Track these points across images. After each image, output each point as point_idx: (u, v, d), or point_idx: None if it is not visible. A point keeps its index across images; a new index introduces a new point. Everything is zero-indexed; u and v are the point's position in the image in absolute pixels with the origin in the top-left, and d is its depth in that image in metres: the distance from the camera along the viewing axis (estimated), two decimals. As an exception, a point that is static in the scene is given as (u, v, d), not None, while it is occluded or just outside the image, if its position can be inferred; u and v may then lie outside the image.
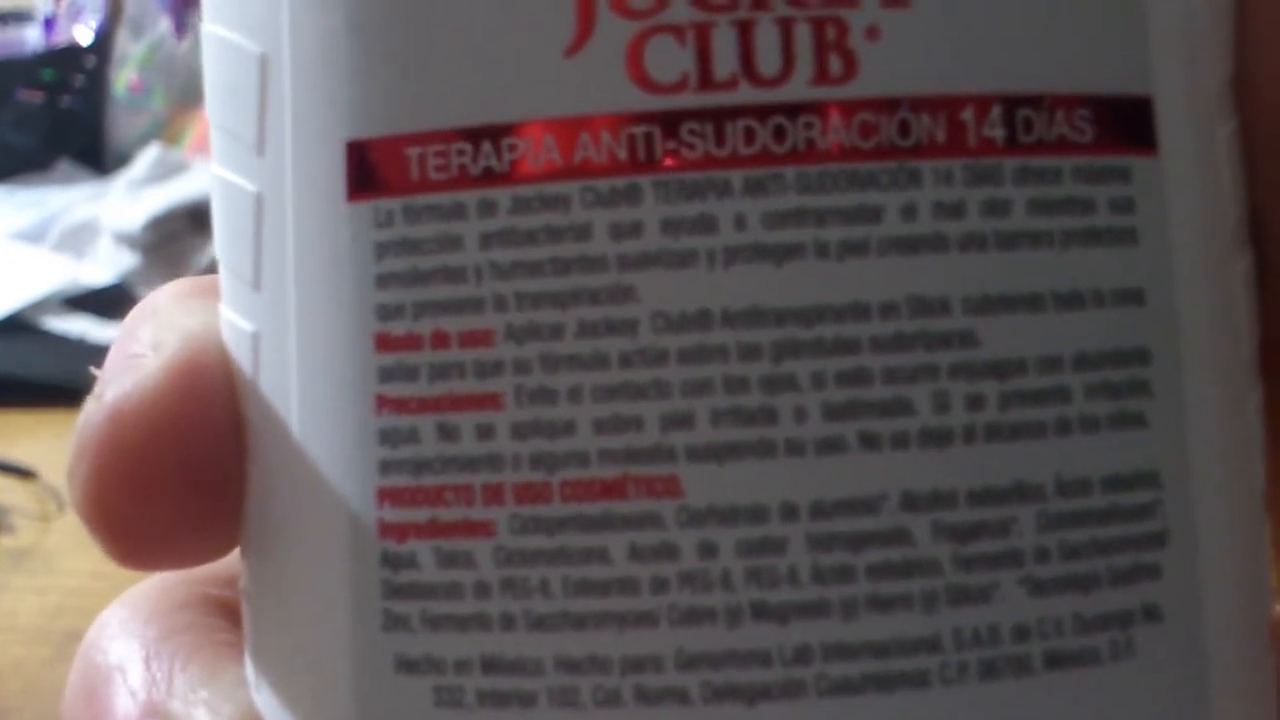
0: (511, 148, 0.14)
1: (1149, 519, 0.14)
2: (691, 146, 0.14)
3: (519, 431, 0.14)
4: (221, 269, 0.17)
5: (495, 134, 0.14)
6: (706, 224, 0.14)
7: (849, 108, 0.14)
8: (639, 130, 0.14)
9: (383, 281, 0.15)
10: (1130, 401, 0.14)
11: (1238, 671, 0.15)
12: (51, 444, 0.70)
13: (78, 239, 1.02)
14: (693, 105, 0.14)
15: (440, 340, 0.15)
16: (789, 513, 0.14)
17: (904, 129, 0.14)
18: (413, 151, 0.15)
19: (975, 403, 0.14)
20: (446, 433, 0.14)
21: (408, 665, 0.15)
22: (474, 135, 0.14)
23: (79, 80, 1.23)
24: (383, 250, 0.15)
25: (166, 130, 1.18)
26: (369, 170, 0.15)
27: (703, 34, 0.14)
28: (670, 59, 0.14)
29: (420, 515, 0.15)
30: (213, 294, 0.17)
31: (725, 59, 0.14)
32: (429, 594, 0.14)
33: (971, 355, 0.14)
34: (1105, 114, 0.15)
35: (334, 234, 0.15)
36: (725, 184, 0.14)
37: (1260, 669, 0.15)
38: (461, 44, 0.14)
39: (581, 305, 0.14)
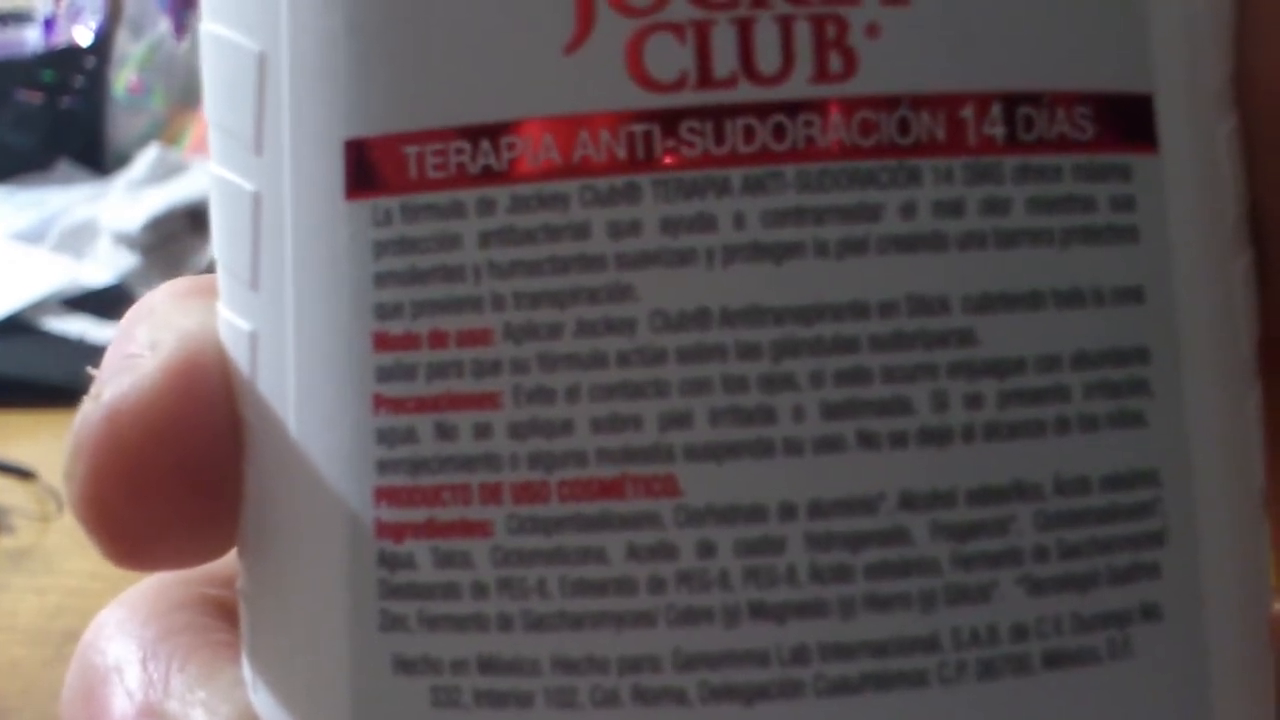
0: (510, 146, 0.14)
1: (1148, 518, 0.14)
2: (691, 145, 0.14)
3: (517, 431, 0.14)
4: (219, 268, 0.16)
5: (494, 132, 0.14)
6: (705, 223, 0.14)
7: (849, 106, 0.14)
8: (638, 129, 0.14)
9: (381, 280, 0.15)
10: (1129, 400, 0.14)
11: (1238, 670, 0.15)
12: (51, 444, 0.69)
13: (77, 239, 1.01)
14: (692, 103, 0.14)
15: (438, 339, 0.14)
16: (787, 512, 0.14)
17: (904, 127, 0.14)
18: (411, 150, 0.15)
19: (974, 401, 0.14)
20: (444, 432, 0.14)
21: (405, 665, 0.15)
22: (472, 134, 0.14)
23: (79, 81, 1.23)
24: (381, 249, 0.15)
25: (166, 131, 1.18)
26: (367, 169, 0.15)
27: (702, 32, 0.14)
28: (670, 57, 0.14)
29: (418, 515, 0.15)
30: (210, 293, 0.17)
31: (725, 57, 0.14)
32: (426, 594, 0.14)
33: (970, 354, 0.14)
34: (1105, 112, 0.15)
35: (332, 233, 0.15)
36: (724, 182, 0.14)
37: (1260, 668, 0.15)
38: (460, 42, 0.14)
39: (580, 304, 0.14)
